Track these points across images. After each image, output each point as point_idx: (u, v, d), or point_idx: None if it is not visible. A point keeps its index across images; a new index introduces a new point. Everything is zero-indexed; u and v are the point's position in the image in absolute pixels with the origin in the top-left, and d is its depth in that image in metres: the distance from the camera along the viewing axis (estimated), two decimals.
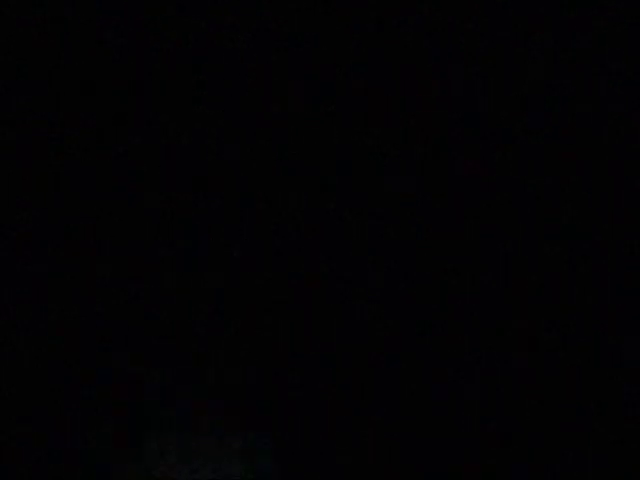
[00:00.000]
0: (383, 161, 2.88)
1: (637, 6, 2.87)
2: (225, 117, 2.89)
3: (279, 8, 2.89)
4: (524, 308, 2.84)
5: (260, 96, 2.89)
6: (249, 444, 2.81)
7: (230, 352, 2.83)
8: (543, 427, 2.80)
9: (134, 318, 2.82)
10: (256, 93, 2.89)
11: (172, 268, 2.84)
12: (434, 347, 2.83)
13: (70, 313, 2.81)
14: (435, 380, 2.82)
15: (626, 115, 2.88)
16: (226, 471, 2.80)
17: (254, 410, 2.82)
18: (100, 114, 2.87)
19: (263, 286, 2.85)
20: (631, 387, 2.80)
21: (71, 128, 2.86)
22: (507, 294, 2.84)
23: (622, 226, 2.86)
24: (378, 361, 2.83)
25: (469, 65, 2.89)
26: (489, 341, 2.83)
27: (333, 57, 2.89)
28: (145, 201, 2.86)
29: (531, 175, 2.88)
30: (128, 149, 2.86)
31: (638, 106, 2.88)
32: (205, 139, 2.88)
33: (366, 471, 2.79)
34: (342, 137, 2.89)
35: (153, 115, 2.87)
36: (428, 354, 2.83)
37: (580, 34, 2.88)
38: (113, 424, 2.78)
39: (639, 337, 2.82)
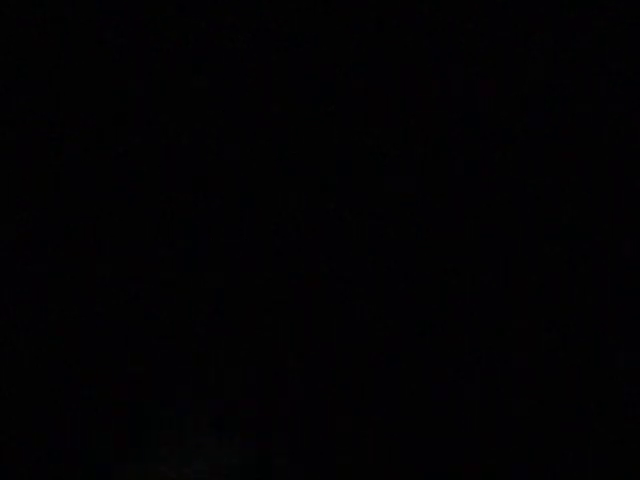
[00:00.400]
0: (383, 161, 2.88)
1: (637, 6, 2.87)
2: (225, 117, 2.89)
3: (279, 8, 2.89)
4: (524, 308, 2.84)
5: (260, 96, 2.89)
6: (249, 444, 2.81)
7: (230, 352, 2.83)
8: (543, 427, 2.80)
9: (134, 318, 2.82)
10: (256, 93, 2.89)
11: (172, 268, 2.85)
12: (434, 347, 2.84)
13: (70, 313, 2.81)
14: (435, 380, 2.82)
15: (626, 115, 2.88)
16: (226, 471, 2.81)
17: (254, 410, 2.82)
18: (100, 114, 2.87)
19: (263, 286, 2.85)
20: (631, 387, 2.80)
21: (71, 128, 2.86)
22: (507, 294, 2.84)
23: (622, 226, 2.86)
24: (378, 361, 2.83)
25: (469, 65, 2.89)
26: (489, 341, 2.83)
27: (333, 57, 2.89)
28: (145, 201, 2.86)
29: (531, 175, 2.88)
30: (128, 149, 2.86)
31: (638, 106, 2.88)
32: (205, 139, 2.88)
33: (366, 471, 2.79)
34: (342, 137, 2.89)
35: (153, 115, 2.88)
36: (428, 354, 2.83)
37: (580, 34, 2.89)
38: (113, 424, 2.78)
39: (639, 337, 2.82)
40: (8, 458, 2.75)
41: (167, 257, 2.85)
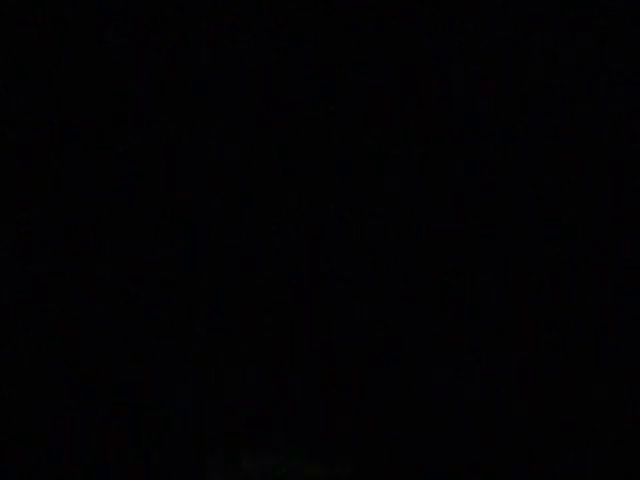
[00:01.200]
0: (383, 161, 2.88)
1: (637, 6, 2.87)
2: (225, 117, 2.89)
3: (279, 8, 2.89)
4: (524, 308, 2.84)
5: (260, 96, 2.89)
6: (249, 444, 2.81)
7: (230, 352, 2.83)
8: (543, 427, 2.79)
9: (134, 318, 2.82)
10: (256, 93, 2.89)
11: (172, 268, 2.84)
12: (434, 347, 2.83)
13: (70, 313, 2.81)
14: (435, 380, 2.82)
15: (626, 115, 2.88)
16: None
17: (254, 410, 2.82)
18: (100, 114, 2.87)
19: (263, 286, 2.85)
20: (631, 387, 2.80)
21: (71, 128, 2.86)
22: (507, 294, 2.84)
23: (622, 226, 2.85)
24: (378, 361, 2.83)
25: (469, 65, 2.89)
26: (489, 341, 2.83)
27: (333, 57, 2.89)
28: (145, 201, 2.86)
29: (531, 175, 2.88)
30: (128, 149, 2.86)
31: (638, 106, 2.88)
32: (205, 139, 2.88)
33: (366, 471, 2.79)
34: (342, 137, 2.89)
35: (153, 115, 2.87)
36: (428, 354, 2.83)
37: (580, 34, 2.88)
38: (113, 424, 2.78)
39: (639, 337, 2.82)
40: (8, 458, 2.74)
41: (167, 257, 2.84)
